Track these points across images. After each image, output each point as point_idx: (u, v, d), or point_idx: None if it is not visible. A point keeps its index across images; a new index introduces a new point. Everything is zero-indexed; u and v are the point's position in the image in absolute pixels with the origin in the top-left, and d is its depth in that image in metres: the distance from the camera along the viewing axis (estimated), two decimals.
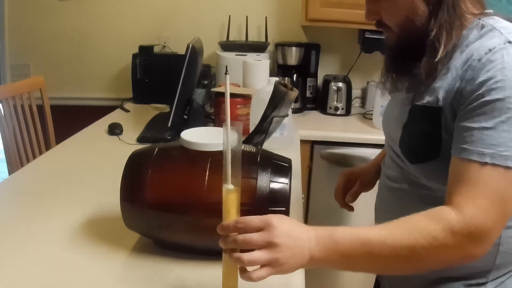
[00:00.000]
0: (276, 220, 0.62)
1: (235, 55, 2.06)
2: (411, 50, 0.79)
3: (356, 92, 2.29)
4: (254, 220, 0.62)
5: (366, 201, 1.11)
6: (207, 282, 0.75)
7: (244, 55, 2.04)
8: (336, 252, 0.63)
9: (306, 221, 1.92)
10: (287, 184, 0.78)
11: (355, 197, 1.09)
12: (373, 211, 0.99)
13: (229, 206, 0.65)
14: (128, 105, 2.12)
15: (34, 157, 1.82)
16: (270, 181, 0.76)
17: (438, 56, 0.75)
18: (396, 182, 0.87)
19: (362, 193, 1.12)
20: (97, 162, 1.36)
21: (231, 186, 0.66)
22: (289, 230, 0.62)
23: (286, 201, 0.77)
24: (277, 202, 0.77)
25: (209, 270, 0.78)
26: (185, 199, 0.76)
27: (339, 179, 1.13)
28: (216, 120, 1.63)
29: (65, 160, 1.36)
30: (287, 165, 0.82)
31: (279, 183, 0.77)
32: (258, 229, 0.61)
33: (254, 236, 0.61)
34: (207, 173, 0.76)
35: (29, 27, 2.38)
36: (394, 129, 0.87)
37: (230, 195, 0.65)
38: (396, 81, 0.85)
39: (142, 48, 2.18)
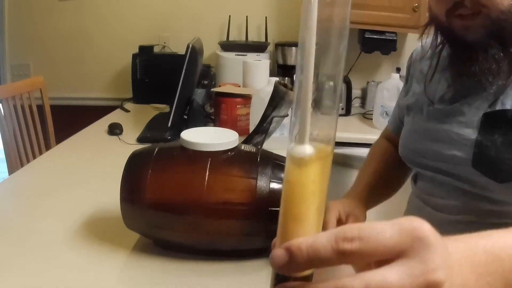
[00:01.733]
0: (427, 228, 0.30)
1: (235, 55, 2.06)
2: (501, 40, 0.66)
3: (356, 92, 2.29)
4: (385, 232, 0.29)
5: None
6: (207, 282, 0.75)
7: (244, 55, 2.04)
8: (502, 275, 0.34)
9: None
10: None
11: None
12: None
13: (304, 196, 0.31)
14: (128, 105, 2.12)
15: (34, 157, 1.83)
16: (270, 181, 0.76)
17: None
18: (455, 213, 0.74)
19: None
20: (97, 162, 1.36)
21: (308, 150, 0.30)
22: (447, 251, 0.31)
23: None
24: (277, 202, 0.76)
25: (209, 271, 0.78)
26: (185, 199, 0.76)
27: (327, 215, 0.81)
28: (216, 120, 1.63)
29: (65, 160, 1.36)
30: None
31: (279, 183, 0.77)
32: (395, 252, 0.29)
33: (393, 276, 0.28)
34: (207, 173, 0.76)
35: (29, 27, 2.38)
36: (448, 150, 0.72)
37: (308, 169, 0.30)
38: (472, 82, 0.69)
39: (142, 48, 2.18)
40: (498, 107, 0.67)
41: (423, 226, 0.30)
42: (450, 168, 0.73)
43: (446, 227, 0.69)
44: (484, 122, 0.68)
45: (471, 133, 0.69)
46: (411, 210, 0.84)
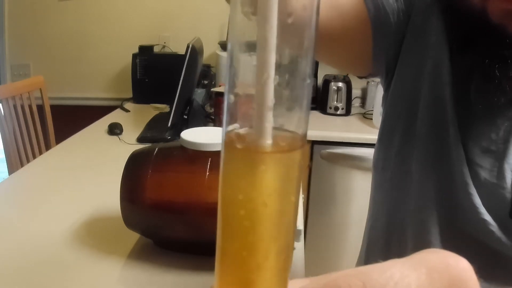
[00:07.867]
0: (467, 266, 0.21)
1: None
2: None
3: (356, 92, 2.29)
4: (407, 278, 0.19)
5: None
6: (207, 282, 0.75)
7: None
8: None
9: (306, 220, 1.92)
10: None
11: None
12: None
13: (263, 221, 0.21)
14: (128, 105, 2.12)
15: (34, 157, 1.83)
16: None
17: None
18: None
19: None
20: (97, 162, 1.36)
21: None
22: None
23: None
24: None
25: (209, 270, 0.78)
26: (185, 199, 0.76)
27: None
28: (216, 120, 1.63)
29: (65, 160, 1.36)
30: None
31: None
32: None
33: None
34: (207, 173, 0.76)
35: (29, 27, 2.39)
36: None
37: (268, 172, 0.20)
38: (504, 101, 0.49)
39: (142, 48, 2.19)
40: None
41: (460, 263, 0.20)
42: None
43: None
44: None
45: None
46: None
